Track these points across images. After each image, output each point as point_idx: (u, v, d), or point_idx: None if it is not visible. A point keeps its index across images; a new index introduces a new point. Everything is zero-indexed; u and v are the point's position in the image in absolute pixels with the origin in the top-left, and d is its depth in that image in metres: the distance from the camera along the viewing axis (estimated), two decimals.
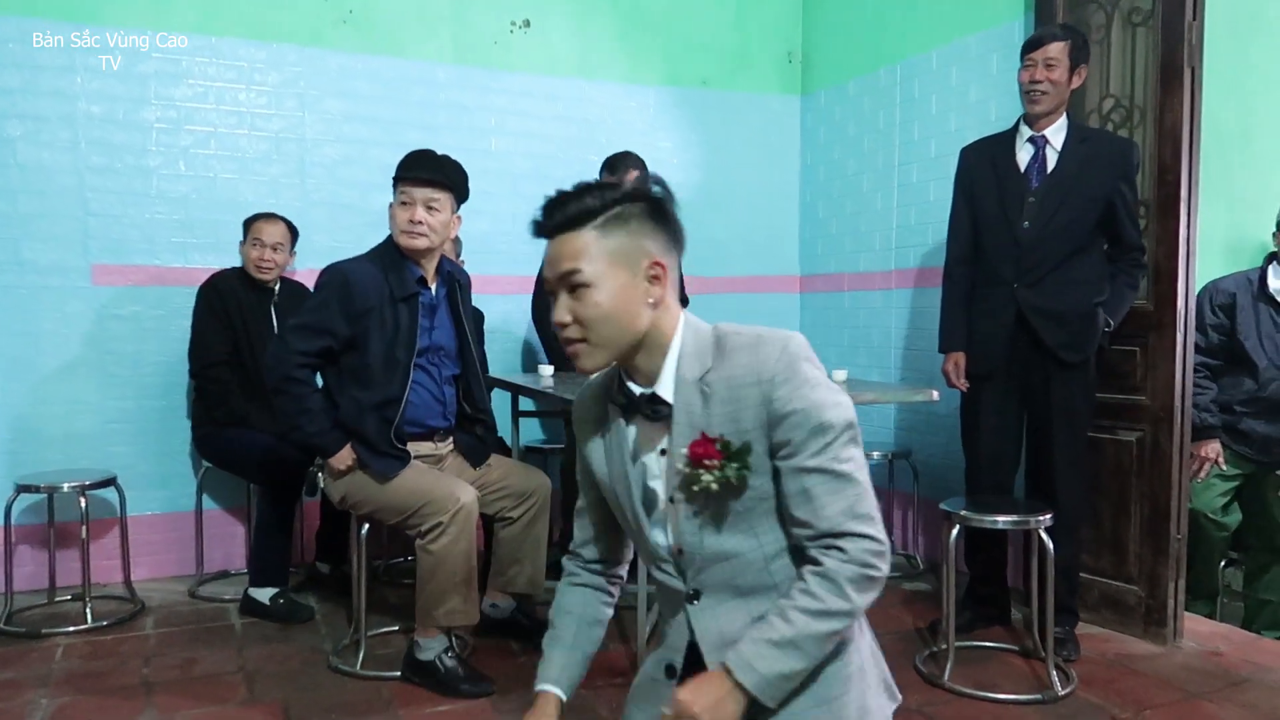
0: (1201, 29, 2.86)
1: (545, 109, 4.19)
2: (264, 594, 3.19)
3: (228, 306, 3.32)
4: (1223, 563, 3.40)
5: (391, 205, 2.68)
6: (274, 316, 3.40)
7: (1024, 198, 2.81)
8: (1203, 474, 3.31)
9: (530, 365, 4.07)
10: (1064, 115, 2.84)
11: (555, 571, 3.14)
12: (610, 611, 1.54)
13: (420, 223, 2.63)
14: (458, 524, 2.58)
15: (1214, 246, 4.75)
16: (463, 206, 2.76)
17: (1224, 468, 3.32)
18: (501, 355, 3.94)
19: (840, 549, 1.25)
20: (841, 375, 3.19)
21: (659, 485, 1.37)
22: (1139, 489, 2.99)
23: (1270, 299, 3.33)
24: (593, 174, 4.22)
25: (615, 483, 1.39)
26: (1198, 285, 3.13)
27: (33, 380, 3.46)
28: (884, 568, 1.27)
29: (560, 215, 1.30)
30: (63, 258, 3.48)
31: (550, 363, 3.48)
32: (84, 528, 3.15)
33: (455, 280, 2.85)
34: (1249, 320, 3.34)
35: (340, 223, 3.84)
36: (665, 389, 1.33)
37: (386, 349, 2.63)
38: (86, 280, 3.51)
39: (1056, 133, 2.83)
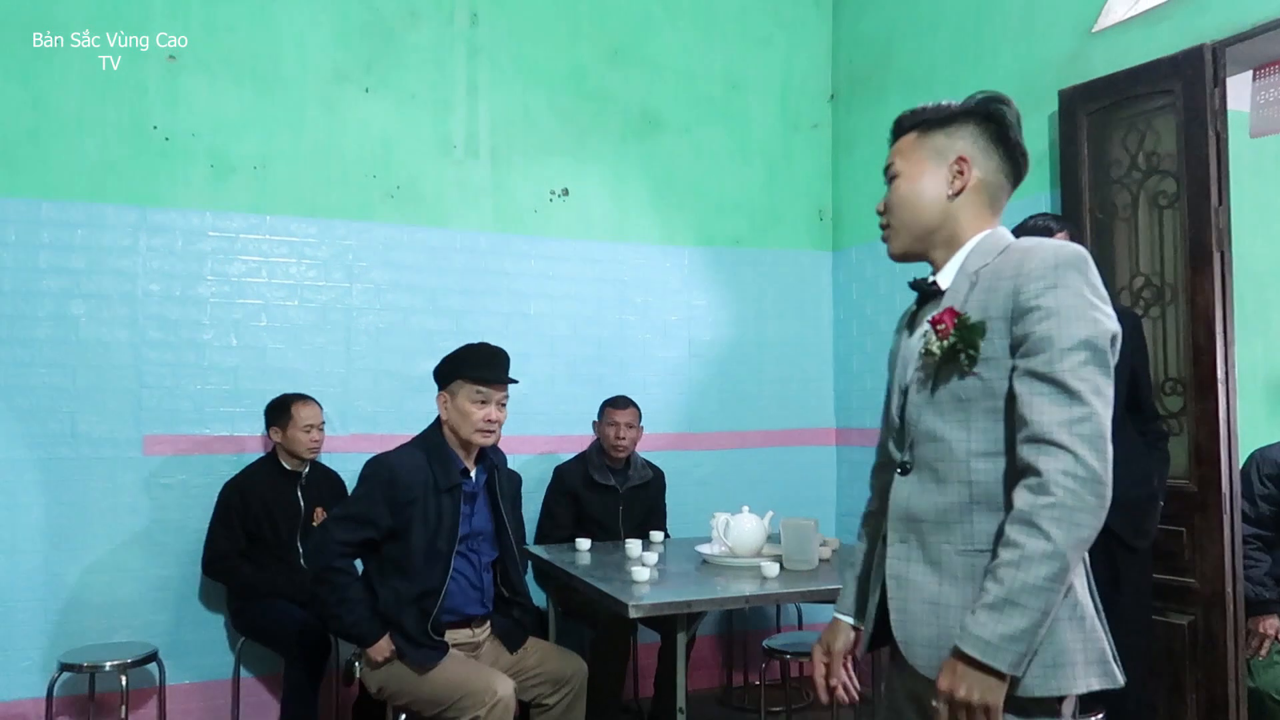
0: (1228, 213, 2.91)
1: (582, 272, 4.31)
2: None
3: (249, 502, 3.43)
4: None
5: (450, 397, 2.75)
6: (300, 499, 3.49)
7: None
8: (1264, 652, 3.20)
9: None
10: None
11: None
12: None
13: (495, 421, 2.74)
14: (495, 716, 2.56)
15: (1255, 385, 4.72)
16: None
17: None
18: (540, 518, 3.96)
19: (1037, 471, 1.28)
20: (835, 544, 3.21)
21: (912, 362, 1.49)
22: (1193, 676, 2.90)
23: None
24: (628, 335, 4.34)
25: (891, 365, 1.59)
26: (1242, 456, 3.10)
27: (81, 551, 3.53)
28: (1088, 497, 1.26)
29: (904, 120, 1.56)
30: (116, 429, 3.58)
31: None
32: (124, 707, 3.16)
33: (494, 465, 2.90)
34: None
35: (382, 389, 3.93)
36: (945, 278, 1.48)
37: (429, 539, 2.67)
38: (138, 450, 3.61)
39: None
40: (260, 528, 3.43)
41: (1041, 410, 1.29)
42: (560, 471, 3.84)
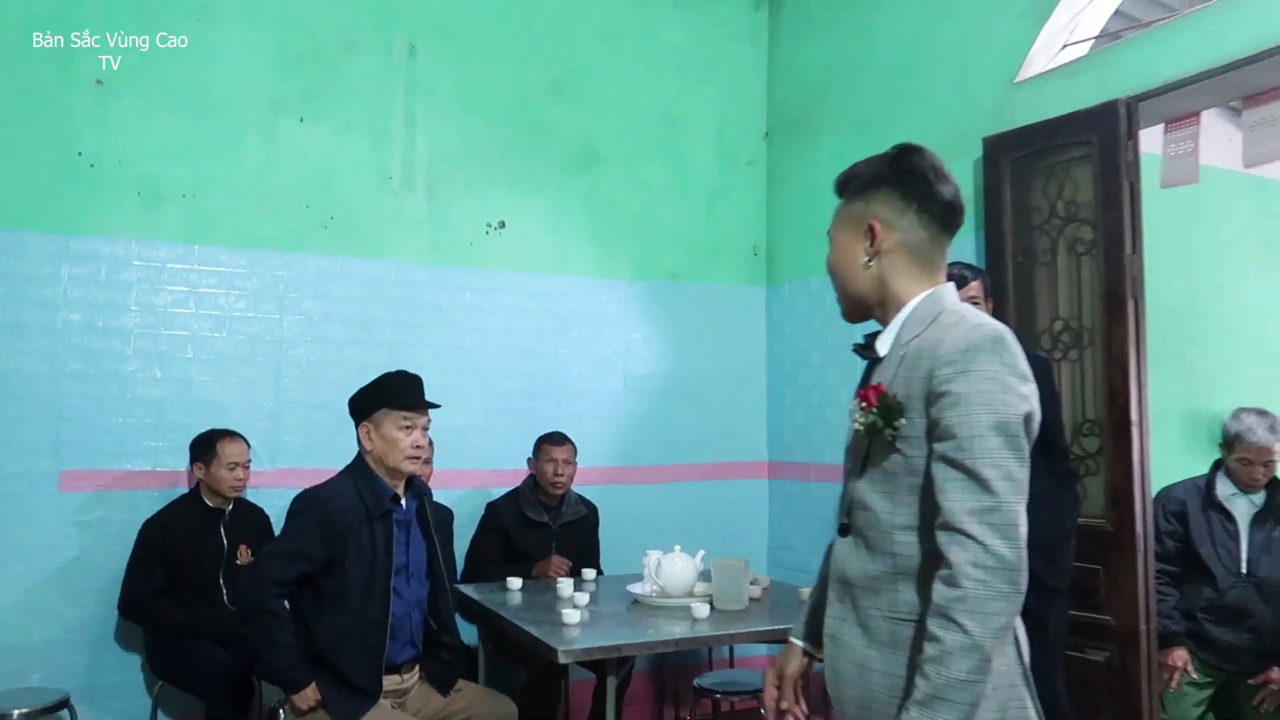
0: (1141, 261, 3.02)
1: (520, 304, 4.30)
2: None
3: (171, 541, 3.33)
4: None
5: (375, 427, 2.73)
6: (224, 537, 3.42)
7: None
8: (1174, 684, 3.30)
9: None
10: None
11: None
12: None
13: (422, 447, 2.75)
14: None
15: (1171, 418, 4.89)
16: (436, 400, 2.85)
17: (1194, 676, 3.31)
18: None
19: (950, 562, 1.29)
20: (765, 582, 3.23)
21: None
22: (1110, 711, 2.97)
23: (1219, 507, 3.36)
24: (564, 368, 4.34)
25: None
26: (1154, 487, 3.20)
27: None
28: (999, 585, 1.27)
29: (836, 186, 1.60)
30: (32, 464, 3.46)
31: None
32: None
33: (422, 493, 2.90)
34: (1201, 528, 3.36)
35: (313, 422, 3.87)
36: (883, 345, 1.50)
37: (365, 570, 2.65)
38: (54, 486, 3.49)
39: None
40: (182, 566, 3.33)
41: (953, 498, 1.31)
42: (493, 507, 3.82)
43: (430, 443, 3.23)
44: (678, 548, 3.17)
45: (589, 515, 3.93)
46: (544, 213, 4.38)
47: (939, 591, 1.30)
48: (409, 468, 2.73)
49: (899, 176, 1.50)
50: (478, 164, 4.25)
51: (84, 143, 3.60)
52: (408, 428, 2.71)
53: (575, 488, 3.92)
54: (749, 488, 4.72)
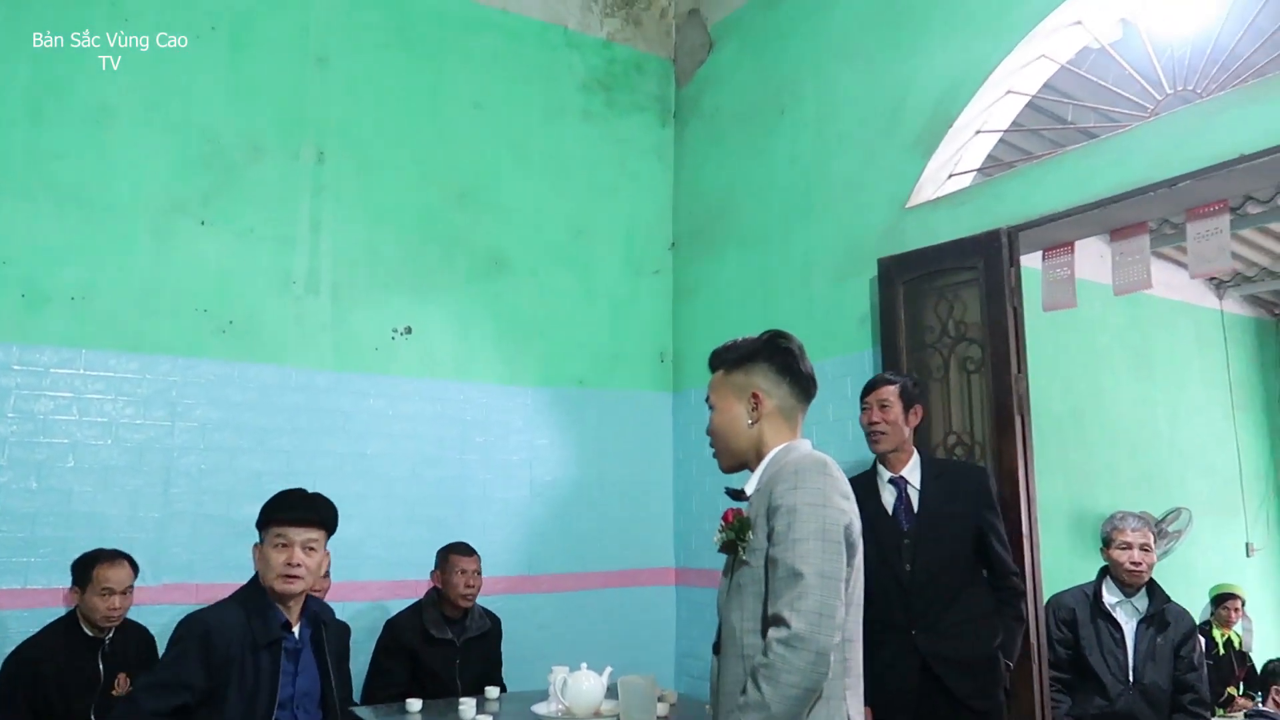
0: (1026, 381, 3.19)
1: (424, 410, 4.25)
2: None
3: (39, 676, 3.08)
4: None
5: (259, 547, 2.60)
6: (100, 666, 3.16)
7: (899, 540, 2.88)
8: None
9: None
10: (914, 452, 2.99)
11: None
12: None
13: (298, 565, 2.57)
14: None
15: (1059, 518, 5.09)
16: None
17: None
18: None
19: (767, 640, 1.59)
20: (672, 698, 3.19)
21: None
22: None
23: (1107, 615, 3.49)
24: (469, 475, 4.27)
25: None
26: (1048, 587, 3.30)
27: None
28: (794, 659, 1.55)
29: (712, 359, 1.95)
30: None
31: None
32: None
33: (320, 620, 2.75)
34: (1090, 636, 3.48)
35: (202, 534, 3.69)
36: (750, 485, 1.82)
37: (246, 703, 2.48)
38: None
39: (912, 471, 2.96)
40: (50, 702, 3.06)
41: (778, 592, 1.61)
42: (393, 626, 3.66)
43: (328, 555, 3.10)
44: (584, 665, 3.10)
45: (494, 629, 3.82)
46: (451, 319, 4.37)
47: (755, 659, 1.62)
48: (281, 587, 2.56)
49: (773, 354, 1.86)
50: (384, 270, 4.23)
51: None
52: (282, 545, 2.56)
53: (479, 598, 3.81)
54: (656, 594, 4.69)
